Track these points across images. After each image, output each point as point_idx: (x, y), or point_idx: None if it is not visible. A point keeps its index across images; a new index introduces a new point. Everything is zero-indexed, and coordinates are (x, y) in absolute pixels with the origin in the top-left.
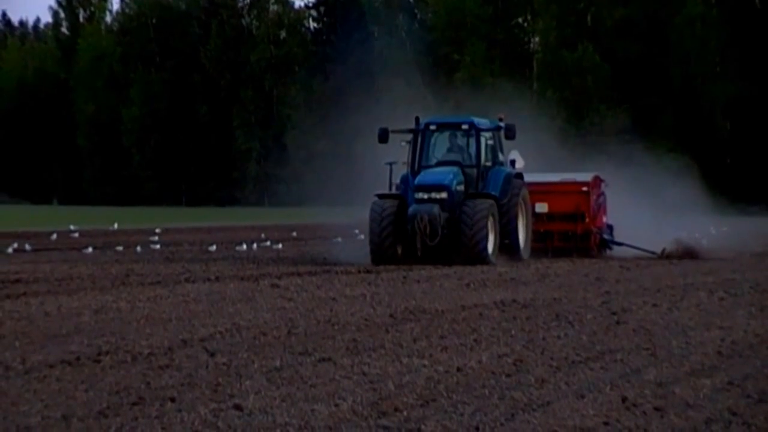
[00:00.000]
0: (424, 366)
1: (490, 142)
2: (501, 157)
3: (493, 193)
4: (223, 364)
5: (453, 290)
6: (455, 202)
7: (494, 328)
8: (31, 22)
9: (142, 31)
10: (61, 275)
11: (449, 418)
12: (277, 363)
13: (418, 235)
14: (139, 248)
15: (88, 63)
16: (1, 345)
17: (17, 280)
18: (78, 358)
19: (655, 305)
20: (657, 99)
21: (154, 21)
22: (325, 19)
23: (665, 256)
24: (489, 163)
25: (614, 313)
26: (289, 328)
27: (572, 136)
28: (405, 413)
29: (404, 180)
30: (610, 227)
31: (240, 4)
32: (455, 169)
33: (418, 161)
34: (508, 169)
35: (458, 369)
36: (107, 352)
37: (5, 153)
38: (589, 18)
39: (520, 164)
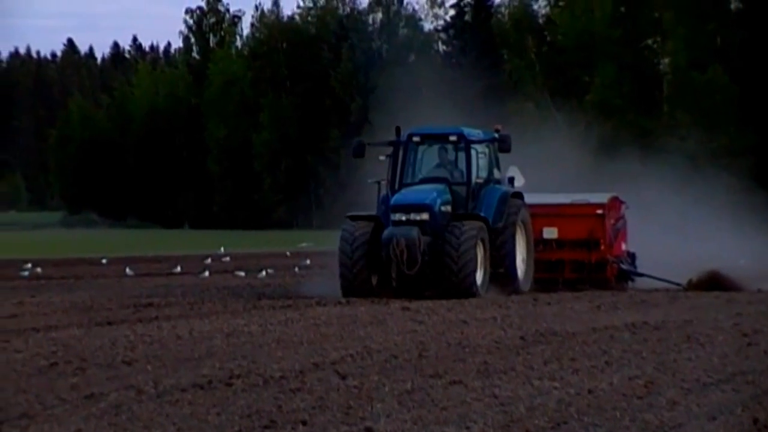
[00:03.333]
0: (555, 388)
1: (483, 156)
2: (497, 173)
3: (484, 214)
4: (355, 387)
5: (584, 312)
6: (439, 224)
7: (625, 350)
8: (161, 47)
9: (273, 56)
10: (193, 299)
11: None
12: (408, 386)
13: (393, 263)
14: (270, 271)
15: (219, 88)
16: (133, 369)
17: (149, 304)
18: (210, 382)
19: None
20: None
21: (284, 45)
22: (454, 42)
23: (692, 287)
24: (481, 181)
25: (746, 335)
26: (419, 351)
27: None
28: None
29: (384, 200)
30: (631, 256)
31: (370, 28)
32: (441, 186)
33: (400, 178)
34: (505, 187)
35: (589, 391)
36: (239, 376)
37: (137, 178)
38: (718, 39)
39: (519, 182)
